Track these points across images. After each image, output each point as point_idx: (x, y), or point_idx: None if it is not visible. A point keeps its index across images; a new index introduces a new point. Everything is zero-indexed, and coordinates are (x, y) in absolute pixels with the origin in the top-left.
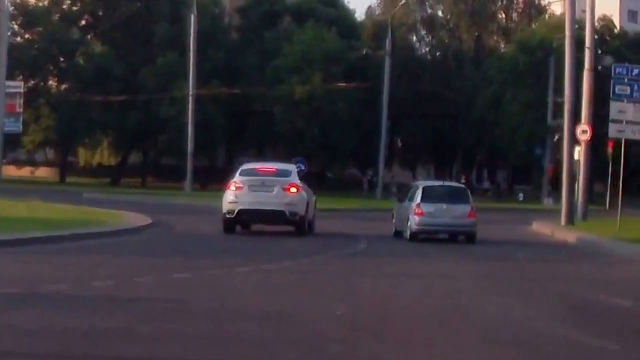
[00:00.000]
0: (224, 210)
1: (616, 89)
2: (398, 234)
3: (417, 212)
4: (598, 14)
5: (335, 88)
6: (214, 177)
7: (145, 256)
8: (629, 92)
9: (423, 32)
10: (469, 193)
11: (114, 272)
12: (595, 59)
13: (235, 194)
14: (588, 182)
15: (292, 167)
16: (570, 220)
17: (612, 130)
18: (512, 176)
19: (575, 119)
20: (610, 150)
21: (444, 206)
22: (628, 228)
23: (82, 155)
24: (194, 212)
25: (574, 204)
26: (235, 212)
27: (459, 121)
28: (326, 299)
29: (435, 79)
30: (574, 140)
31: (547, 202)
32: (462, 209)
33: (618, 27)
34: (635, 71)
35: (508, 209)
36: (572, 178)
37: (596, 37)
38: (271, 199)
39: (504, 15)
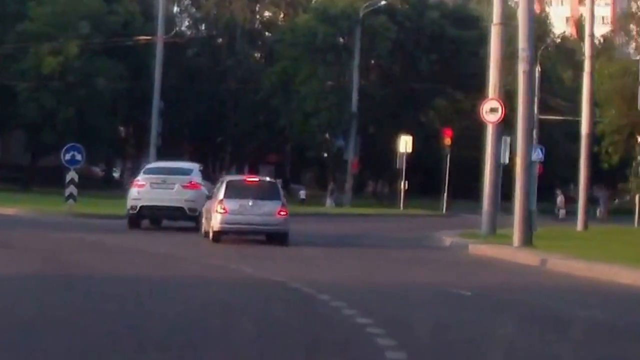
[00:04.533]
0: (128, 207)
1: None
2: (207, 234)
3: (219, 210)
4: None
5: (95, 60)
6: None
7: None
8: None
9: (187, 2)
10: (280, 188)
11: None
12: None
13: (138, 191)
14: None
15: (194, 166)
16: (528, 238)
17: None
18: (290, 173)
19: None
20: (448, 140)
21: (250, 202)
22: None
23: None
24: None
25: (533, 216)
26: (138, 208)
27: (228, 107)
28: None
29: (202, 56)
30: (533, 124)
31: (330, 203)
32: (271, 206)
33: None
34: None
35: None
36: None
37: (406, 6)
38: (171, 196)
39: None
